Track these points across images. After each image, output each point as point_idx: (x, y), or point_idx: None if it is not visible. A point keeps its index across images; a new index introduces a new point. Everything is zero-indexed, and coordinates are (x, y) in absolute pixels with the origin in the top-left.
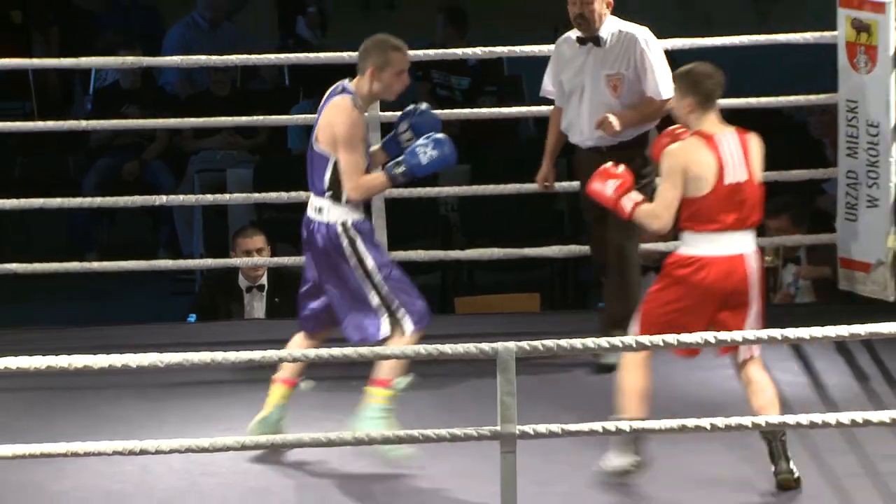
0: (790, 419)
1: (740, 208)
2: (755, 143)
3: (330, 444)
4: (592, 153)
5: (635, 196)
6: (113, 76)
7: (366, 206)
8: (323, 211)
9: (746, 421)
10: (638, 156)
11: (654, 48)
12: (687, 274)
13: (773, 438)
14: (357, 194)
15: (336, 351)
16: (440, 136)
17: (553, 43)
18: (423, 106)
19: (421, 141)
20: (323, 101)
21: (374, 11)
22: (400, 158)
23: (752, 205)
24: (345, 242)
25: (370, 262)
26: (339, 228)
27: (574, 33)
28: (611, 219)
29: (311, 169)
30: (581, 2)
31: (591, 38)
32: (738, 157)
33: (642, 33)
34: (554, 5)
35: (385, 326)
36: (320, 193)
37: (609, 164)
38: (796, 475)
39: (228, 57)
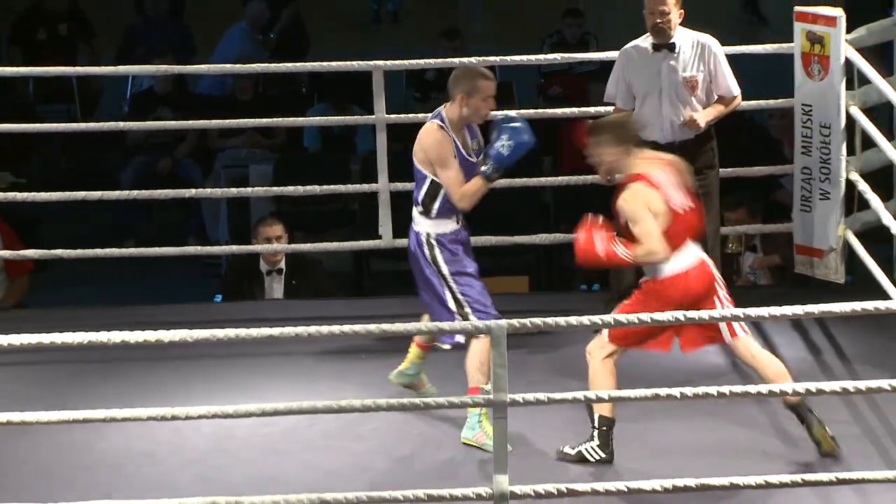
0: (752, 389)
1: (689, 225)
2: (679, 164)
3: (340, 410)
4: (667, 147)
5: (622, 246)
6: (148, 82)
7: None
8: (415, 220)
9: (713, 390)
10: (709, 148)
11: (721, 52)
12: (661, 289)
13: (800, 409)
14: (465, 203)
15: (347, 328)
16: (515, 124)
17: (536, 52)
18: (511, 114)
19: (499, 136)
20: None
21: (382, 25)
22: (487, 158)
23: (696, 218)
24: (426, 250)
25: (446, 270)
26: (424, 238)
27: (642, 42)
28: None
29: (415, 182)
30: (659, 13)
31: (666, 45)
32: (674, 184)
33: (713, 41)
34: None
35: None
36: (416, 205)
37: (589, 219)
38: (831, 434)
39: (251, 66)
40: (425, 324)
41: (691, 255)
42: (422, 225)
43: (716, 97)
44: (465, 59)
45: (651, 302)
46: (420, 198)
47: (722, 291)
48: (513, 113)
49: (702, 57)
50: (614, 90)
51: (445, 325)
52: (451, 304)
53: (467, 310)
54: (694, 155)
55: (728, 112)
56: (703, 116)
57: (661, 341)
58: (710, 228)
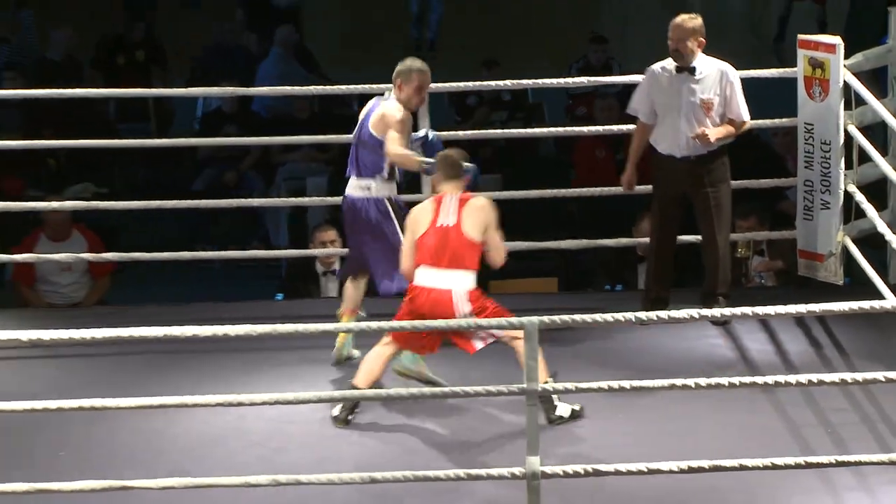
0: (759, 380)
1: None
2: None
3: (388, 397)
4: (683, 161)
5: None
6: (216, 103)
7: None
8: (372, 189)
9: (724, 381)
10: (721, 163)
11: (737, 80)
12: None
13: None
14: (398, 159)
15: (394, 323)
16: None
17: (564, 76)
18: (431, 135)
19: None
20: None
21: (422, 54)
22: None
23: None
24: (389, 209)
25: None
26: (385, 200)
27: (668, 64)
28: (699, 212)
29: (365, 155)
30: (677, 39)
31: (686, 68)
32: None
33: (731, 69)
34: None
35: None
36: (378, 173)
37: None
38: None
39: (308, 88)
40: (469, 320)
41: (440, 278)
42: (380, 189)
43: (727, 119)
44: (500, 82)
45: (405, 308)
46: (386, 167)
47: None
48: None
49: (719, 82)
50: (638, 105)
51: (484, 321)
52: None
53: None
54: (708, 168)
55: (736, 134)
56: (714, 133)
57: (428, 345)
58: (721, 236)
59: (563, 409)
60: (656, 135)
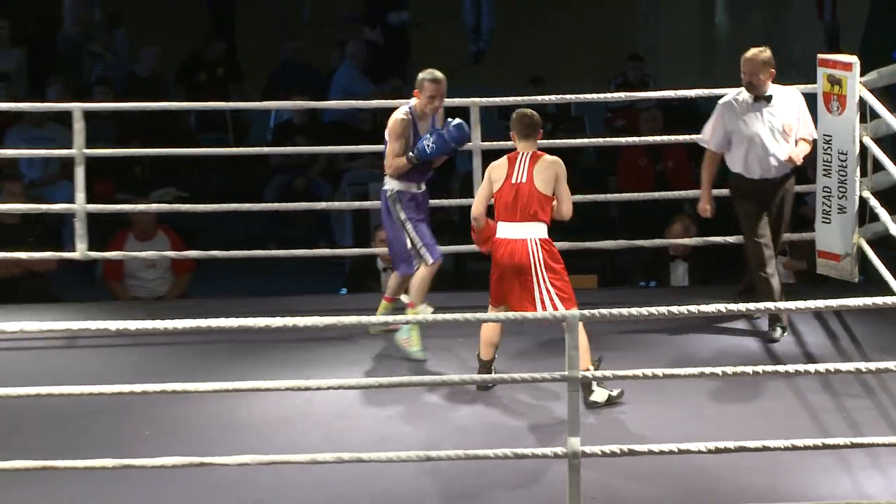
0: (781, 368)
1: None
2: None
3: (442, 383)
4: (772, 182)
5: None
6: (287, 115)
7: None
8: (384, 181)
9: (748, 369)
10: (791, 176)
11: (804, 103)
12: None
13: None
14: (390, 170)
15: (448, 316)
16: (445, 131)
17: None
18: (455, 121)
19: (430, 135)
20: None
21: (468, 66)
22: (414, 147)
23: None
24: (390, 203)
25: (404, 216)
26: (388, 193)
27: (741, 95)
28: (774, 221)
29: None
30: (750, 73)
31: (763, 97)
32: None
33: (798, 93)
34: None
35: (416, 262)
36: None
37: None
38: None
39: (368, 102)
40: (518, 313)
41: (515, 229)
42: (388, 184)
43: (800, 138)
44: (546, 97)
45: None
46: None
47: (544, 275)
48: (460, 122)
49: (793, 106)
50: (710, 137)
51: (531, 315)
52: (408, 243)
53: (419, 245)
54: (788, 185)
55: (812, 150)
56: (800, 154)
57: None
58: (784, 241)
59: (599, 395)
60: (741, 162)
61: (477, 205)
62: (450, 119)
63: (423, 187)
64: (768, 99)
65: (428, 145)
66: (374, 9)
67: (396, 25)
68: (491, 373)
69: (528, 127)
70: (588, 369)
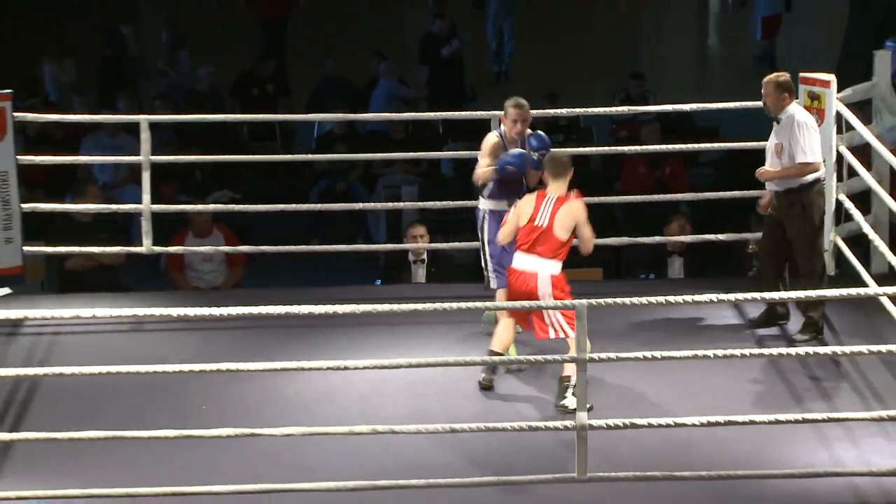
0: (765, 351)
1: (537, 239)
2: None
3: (466, 364)
4: (775, 193)
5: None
6: (329, 126)
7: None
8: (480, 204)
9: (737, 352)
10: (798, 200)
11: (804, 127)
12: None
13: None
14: (477, 180)
15: (471, 304)
16: (516, 150)
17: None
18: (535, 133)
19: (506, 153)
20: None
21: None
22: (498, 161)
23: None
24: (479, 221)
25: (486, 238)
26: (481, 212)
27: None
28: (789, 230)
29: None
30: (764, 94)
31: (775, 118)
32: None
33: (801, 115)
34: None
35: (492, 282)
36: (481, 191)
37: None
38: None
39: (401, 115)
40: (534, 303)
41: (531, 262)
42: (482, 204)
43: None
44: (558, 111)
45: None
46: (484, 186)
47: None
48: (538, 133)
49: (787, 128)
50: None
51: (544, 304)
52: (482, 262)
53: (489, 269)
54: (789, 202)
55: (795, 173)
56: (769, 173)
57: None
58: (799, 260)
59: (571, 402)
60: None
61: (505, 233)
62: (529, 131)
63: (512, 204)
64: (777, 121)
65: (505, 159)
66: (426, 47)
67: (449, 57)
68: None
69: (557, 167)
70: (569, 378)
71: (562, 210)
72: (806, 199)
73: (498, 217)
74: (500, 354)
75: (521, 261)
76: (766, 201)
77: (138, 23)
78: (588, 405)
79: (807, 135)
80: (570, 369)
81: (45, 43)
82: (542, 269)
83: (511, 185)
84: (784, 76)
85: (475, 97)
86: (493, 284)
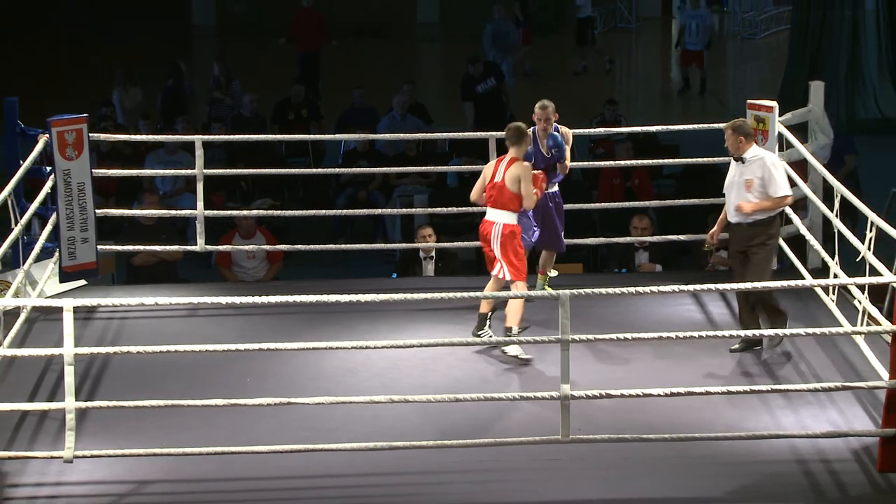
0: (718, 333)
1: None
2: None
3: (468, 343)
4: (738, 226)
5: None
6: (353, 144)
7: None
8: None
9: (695, 334)
10: (763, 231)
11: (773, 165)
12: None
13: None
14: None
15: (472, 294)
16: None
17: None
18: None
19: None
20: None
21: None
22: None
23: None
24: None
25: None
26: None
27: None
28: (753, 258)
29: None
30: (727, 138)
31: (739, 158)
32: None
33: (770, 156)
34: (589, 107)
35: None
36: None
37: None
38: None
39: (414, 135)
40: (523, 292)
41: (492, 213)
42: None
43: (767, 196)
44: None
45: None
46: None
47: (499, 249)
48: (552, 133)
49: (759, 166)
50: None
51: (537, 292)
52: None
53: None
54: (754, 233)
55: (772, 205)
56: (750, 206)
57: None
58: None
59: (514, 350)
60: (726, 207)
61: (474, 192)
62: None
63: (544, 191)
64: (742, 160)
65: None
66: (466, 86)
67: (484, 93)
68: (486, 322)
69: (512, 135)
70: (511, 329)
71: (511, 168)
72: (772, 230)
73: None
74: (486, 316)
75: (488, 213)
76: (716, 234)
77: (193, 59)
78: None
79: (780, 172)
80: (511, 320)
81: (116, 75)
82: (499, 218)
83: (543, 171)
84: (739, 121)
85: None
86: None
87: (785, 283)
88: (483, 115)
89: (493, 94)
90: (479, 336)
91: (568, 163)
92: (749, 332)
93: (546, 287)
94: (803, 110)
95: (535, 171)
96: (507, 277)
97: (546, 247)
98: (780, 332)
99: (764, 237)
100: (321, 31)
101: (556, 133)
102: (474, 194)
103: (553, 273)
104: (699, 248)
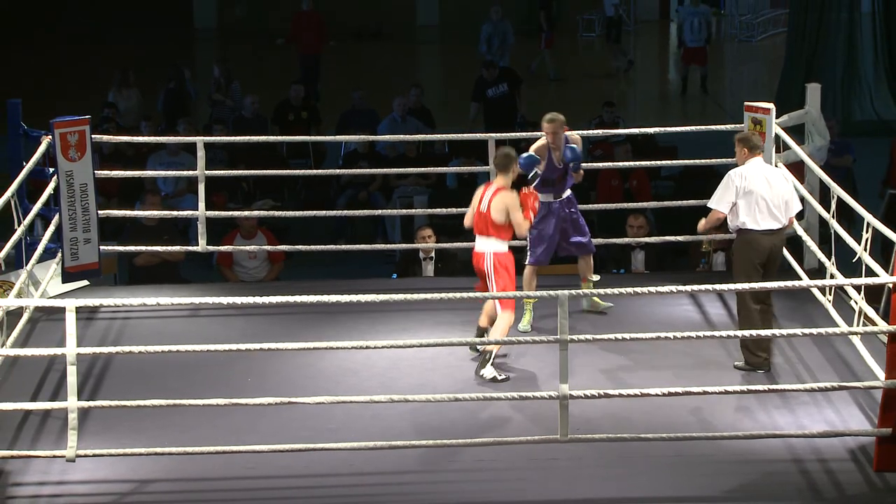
0: (716, 333)
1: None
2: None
3: (466, 343)
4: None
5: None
6: (353, 146)
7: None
8: None
9: (692, 334)
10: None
11: (727, 177)
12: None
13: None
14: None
15: (469, 294)
16: (525, 154)
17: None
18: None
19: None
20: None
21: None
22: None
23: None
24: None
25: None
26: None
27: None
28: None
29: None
30: (736, 148)
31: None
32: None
33: (735, 170)
34: (587, 110)
35: (527, 258)
36: None
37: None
38: None
39: (414, 136)
40: (526, 292)
41: (481, 243)
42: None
43: None
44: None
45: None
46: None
47: (492, 282)
48: (570, 146)
49: None
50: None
51: (538, 293)
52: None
53: (530, 247)
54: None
55: (707, 220)
56: (700, 224)
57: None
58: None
59: (489, 372)
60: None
61: (467, 218)
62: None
63: (558, 198)
64: None
65: (519, 161)
66: (478, 89)
67: (496, 97)
68: (484, 336)
69: (500, 164)
70: (489, 353)
71: (496, 197)
72: (738, 242)
73: (544, 206)
74: (484, 330)
75: (476, 242)
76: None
77: (194, 62)
78: (503, 376)
79: (722, 186)
80: (500, 333)
81: (112, 77)
82: (488, 248)
83: (550, 182)
84: (744, 133)
85: (525, 122)
86: (527, 258)
87: (782, 283)
88: (491, 118)
89: (504, 100)
90: (476, 350)
91: (581, 172)
92: (747, 333)
93: (593, 298)
94: (800, 112)
95: (527, 190)
96: (497, 307)
97: (577, 254)
98: (778, 331)
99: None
100: (320, 34)
101: (573, 146)
102: (467, 220)
103: (595, 277)
104: (696, 249)
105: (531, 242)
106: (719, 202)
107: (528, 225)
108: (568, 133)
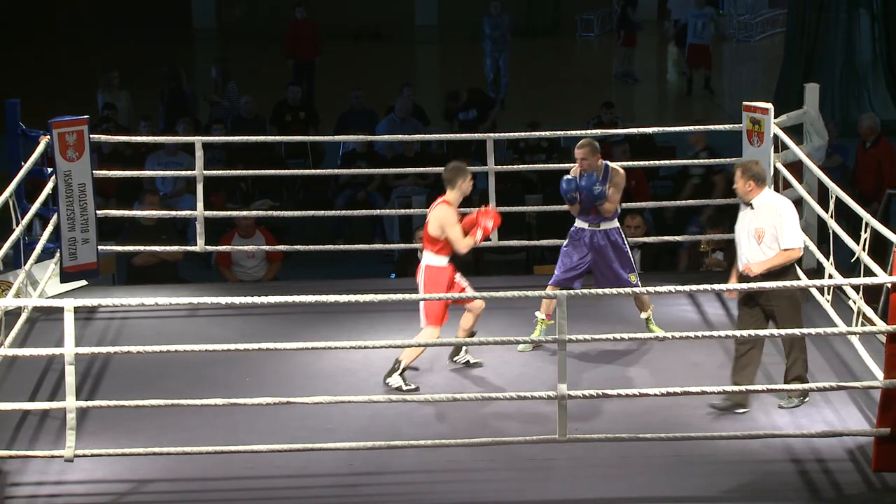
0: (715, 334)
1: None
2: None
3: (466, 343)
4: (745, 276)
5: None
6: (352, 146)
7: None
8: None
9: (691, 334)
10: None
11: (787, 214)
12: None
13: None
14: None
15: (467, 294)
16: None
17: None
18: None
19: None
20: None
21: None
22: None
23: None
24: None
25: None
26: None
27: None
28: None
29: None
30: (736, 180)
31: (748, 203)
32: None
33: (784, 203)
34: (586, 110)
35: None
36: None
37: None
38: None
39: (413, 136)
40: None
41: (423, 257)
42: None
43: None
44: (542, 133)
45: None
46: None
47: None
48: (589, 174)
49: (770, 214)
50: None
51: (537, 293)
52: None
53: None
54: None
55: (781, 262)
56: (758, 266)
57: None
58: (786, 342)
59: (395, 381)
60: (737, 255)
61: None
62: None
63: (593, 227)
64: (751, 206)
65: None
66: (448, 115)
67: (466, 121)
68: (460, 351)
69: (446, 179)
70: (400, 363)
71: (433, 212)
72: (788, 277)
73: (574, 230)
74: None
75: (423, 255)
76: (732, 279)
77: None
78: (410, 387)
79: (790, 221)
80: (404, 354)
81: (100, 78)
82: (424, 261)
83: (584, 210)
84: (750, 162)
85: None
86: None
87: (781, 283)
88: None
89: (474, 124)
90: (454, 361)
91: (610, 205)
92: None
93: (652, 326)
94: (798, 112)
95: (485, 209)
96: (422, 322)
97: (603, 286)
98: (776, 332)
99: (778, 290)
100: (315, 42)
101: (589, 175)
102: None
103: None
104: (694, 249)
105: (558, 261)
106: (798, 237)
107: (470, 243)
108: (610, 163)
